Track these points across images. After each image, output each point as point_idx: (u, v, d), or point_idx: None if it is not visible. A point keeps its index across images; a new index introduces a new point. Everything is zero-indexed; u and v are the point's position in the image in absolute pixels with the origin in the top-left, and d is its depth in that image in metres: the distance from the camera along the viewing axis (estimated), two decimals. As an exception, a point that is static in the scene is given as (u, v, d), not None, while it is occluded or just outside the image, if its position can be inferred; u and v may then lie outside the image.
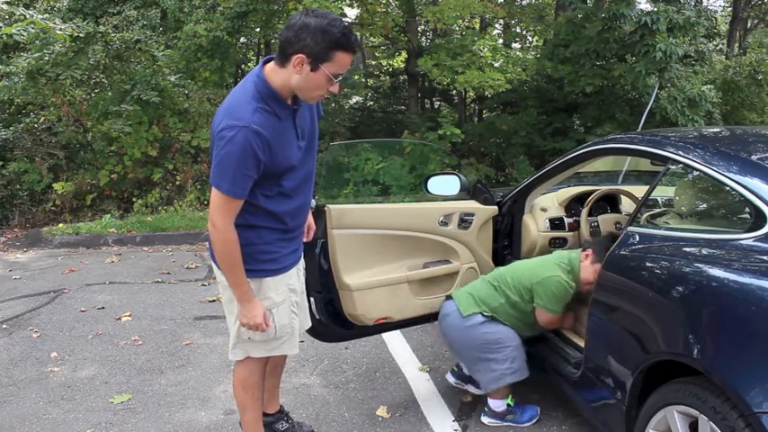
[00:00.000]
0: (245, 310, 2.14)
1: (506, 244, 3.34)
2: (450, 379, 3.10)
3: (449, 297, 2.91)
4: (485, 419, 2.86)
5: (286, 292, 2.25)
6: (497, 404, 2.81)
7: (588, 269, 2.69)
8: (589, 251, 2.73)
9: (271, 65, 2.03)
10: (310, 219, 2.49)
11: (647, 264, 2.16)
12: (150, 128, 8.78)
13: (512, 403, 2.82)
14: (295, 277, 2.32)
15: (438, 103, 14.02)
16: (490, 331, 2.74)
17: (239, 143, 1.92)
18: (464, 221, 3.12)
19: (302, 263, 2.45)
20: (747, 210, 2.01)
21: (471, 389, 2.99)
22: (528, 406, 2.86)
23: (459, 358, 2.98)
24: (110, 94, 9.04)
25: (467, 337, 2.77)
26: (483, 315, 2.75)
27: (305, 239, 2.44)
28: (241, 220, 2.06)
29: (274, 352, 2.32)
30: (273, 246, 2.18)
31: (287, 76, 1.98)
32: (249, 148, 1.93)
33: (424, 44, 11.80)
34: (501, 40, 12.24)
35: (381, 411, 3.00)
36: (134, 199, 8.77)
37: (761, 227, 1.90)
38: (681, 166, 2.31)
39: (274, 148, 2.01)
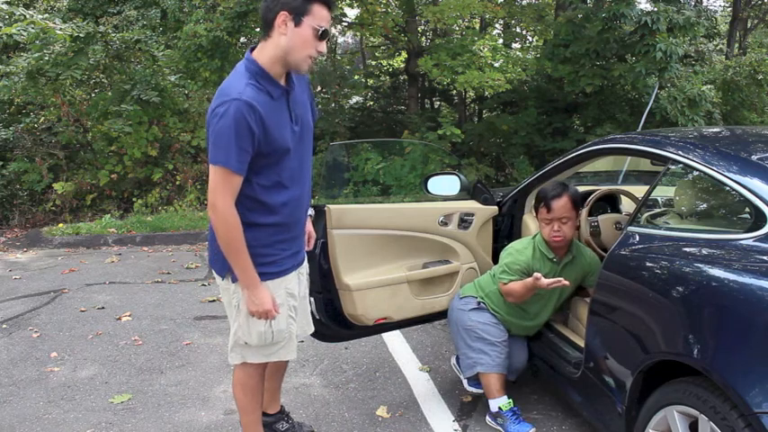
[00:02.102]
0: (252, 296, 2.10)
1: (506, 244, 3.34)
2: (453, 360, 3.17)
3: None
4: (486, 417, 2.87)
5: (284, 296, 2.22)
6: (491, 403, 2.79)
7: (540, 226, 2.79)
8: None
9: (257, 47, 2.08)
10: (310, 227, 2.48)
11: (647, 264, 2.16)
12: (150, 128, 8.78)
13: (505, 408, 2.75)
14: (294, 281, 2.29)
15: (438, 103, 14.01)
16: (477, 319, 2.83)
17: (231, 115, 1.93)
18: (464, 221, 3.12)
19: (306, 267, 2.44)
20: (747, 210, 2.01)
21: (465, 384, 2.98)
22: (524, 423, 2.73)
23: (452, 339, 3.03)
24: (110, 94, 9.05)
25: (457, 317, 2.90)
26: (477, 301, 2.87)
27: (306, 248, 2.43)
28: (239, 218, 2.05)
29: (271, 358, 2.29)
30: (272, 248, 2.16)
31: (274, 44, 2.02)
32: (242, 118, 1.94)
33: (424, 44, 11.80)
34: (501, 40, 12.23)
35: (381, 411, 3.00)
36: (134, 199, 8.78)
37: (761, 227, 1.90)
38: (681, 166, 2.31)
39: (268, 124, 2.01)
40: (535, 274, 2.59)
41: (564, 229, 2.69)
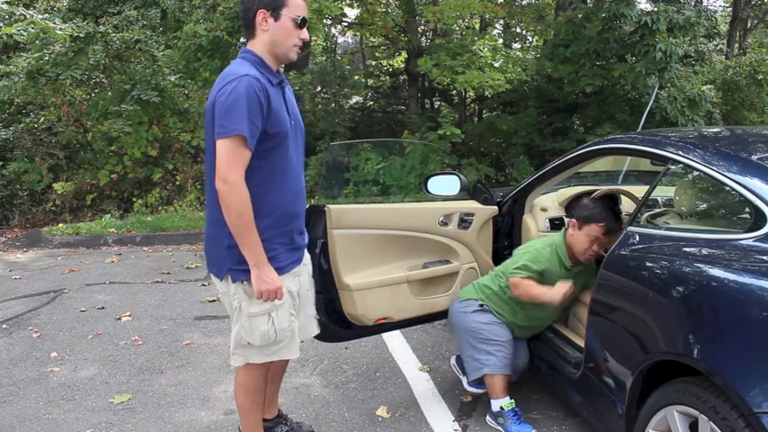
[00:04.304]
0: (262, 274, 2.09)
1: (506, 244, 3.34)
2: (452, 360, 3.16)
3: None
4: (486, 417, 2.87)
5: (285, 294, 2.23)
6: (493, 403, 2.79)
7: (578, 237, 2.73)
8: (572, 221, 2.77)
9: (246, 47, 2.18)
10: None
11: (647, 264, 2.16)
12: (150, 128, 8.78)
13: (507, 408, 2.75)
14: (291, 281, 2.30)
15: (438, 103, 14.00)
16: (481, 321, 2.82)
17: (243, 89, 2.00)
18: (464, 221, 3.12)
19: (308, 265, 2.46)
20: (747, 210, 2.01)
21: (465, 384, 2.98)
22: (524, 423, 2.73)
23: (455, 343, 3.02)
24: (110, 94, 9.04)
25: (459, 321, 2.89)
26: (478, 303, 2.86)
27: None
28: None
29: (274, 357, 2.29)
30: (272, 243, 2.16)
31: (261, 41, 2.14)
32: (253, 92, 2.00)
33: (424, 44, 11.79)
34: (501, 40, 12.23)
35: (381, 411, 3.00)
36: (134, 199, 8.78)
37: (761, 227, 1.90)
38: (681, 166, 2.31)
39: (272, 103, 2.08)
40: (559, 286, 2.61)
41: (600, 252, 2.71)
